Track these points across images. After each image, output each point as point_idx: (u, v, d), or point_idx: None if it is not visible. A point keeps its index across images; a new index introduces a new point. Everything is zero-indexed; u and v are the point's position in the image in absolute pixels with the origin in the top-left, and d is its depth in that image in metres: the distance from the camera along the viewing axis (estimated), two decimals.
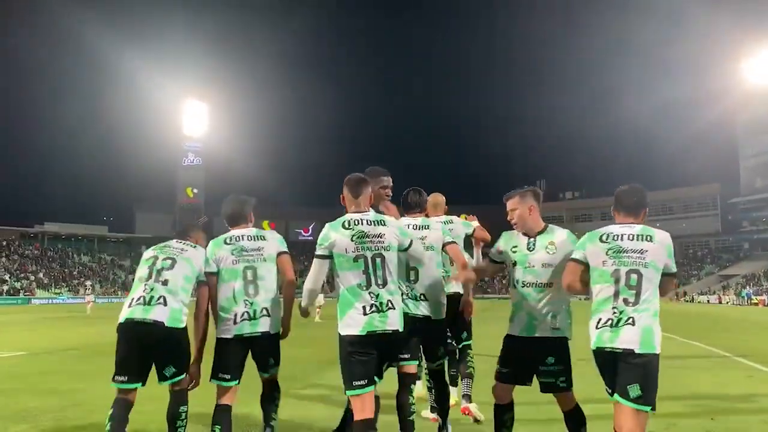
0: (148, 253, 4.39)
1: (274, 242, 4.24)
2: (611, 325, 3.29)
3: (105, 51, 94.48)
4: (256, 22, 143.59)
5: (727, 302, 57.86)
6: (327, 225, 3.74)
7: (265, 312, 3.96)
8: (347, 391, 3.46)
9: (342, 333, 3.49)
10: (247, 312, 3.93)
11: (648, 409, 3.24)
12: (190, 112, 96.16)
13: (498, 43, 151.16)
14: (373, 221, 3.68)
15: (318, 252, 3.64)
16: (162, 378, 4.05)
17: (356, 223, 3.65)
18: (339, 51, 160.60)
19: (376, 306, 3.49)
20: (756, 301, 51.96)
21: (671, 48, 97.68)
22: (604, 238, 3.53)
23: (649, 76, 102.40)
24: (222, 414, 4.01)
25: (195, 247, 4.30)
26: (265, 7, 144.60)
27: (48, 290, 63.66)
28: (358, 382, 3.42)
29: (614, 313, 3.30)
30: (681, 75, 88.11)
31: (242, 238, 4.14)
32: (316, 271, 3.69)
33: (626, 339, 3.23)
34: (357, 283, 3.53)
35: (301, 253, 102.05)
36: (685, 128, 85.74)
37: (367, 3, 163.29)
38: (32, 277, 65.49)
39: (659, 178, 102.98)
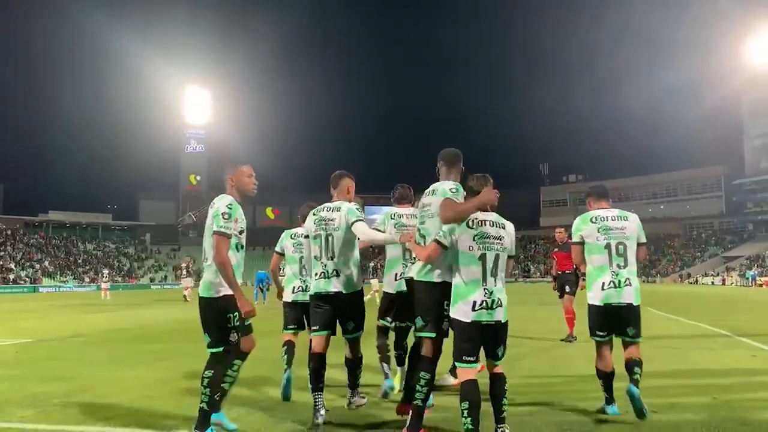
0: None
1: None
2: (615, 286, 4.62)
3: (107, 38, 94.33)
4: (259, 9, 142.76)
5: (731, 284, 57.81)
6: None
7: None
8: (311, 333, 4.87)
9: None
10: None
11: (640, 339, 4.70)
12: (193, 99, 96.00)
13: (501, 28, 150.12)
14: (332, 208, 4.82)
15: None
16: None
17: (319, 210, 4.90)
18: (343, 38, 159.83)
19: (325, 273, 4.68)
20: (761, 282, 51.85)
21: (675, 30, 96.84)
22: (593, 219, 4.81)
23: (653, 58, 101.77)
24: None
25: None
26: None
27: (53, 278, 64.00)
28: (315, 327, 4.77)
29: (614, 275, 4.62)
30: (685, 57, 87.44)
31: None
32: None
33: (627, 296, 4.60)
34: (314, 255, 4.80)
35: None
36: (689, 110, 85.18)
37: None
38: (37, 266, 65.83)
39: (663, 160, 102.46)
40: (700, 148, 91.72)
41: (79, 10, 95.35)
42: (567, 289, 9.96)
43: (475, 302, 3.85)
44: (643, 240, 4.78)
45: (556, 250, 10.66)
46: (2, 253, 66.14)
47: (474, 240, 3.96)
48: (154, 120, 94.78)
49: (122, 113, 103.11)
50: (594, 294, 4.70)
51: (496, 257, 3.99)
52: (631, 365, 4.57)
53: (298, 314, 5.66)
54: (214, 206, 4.32)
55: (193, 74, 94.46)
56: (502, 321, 3.93)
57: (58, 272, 66.72)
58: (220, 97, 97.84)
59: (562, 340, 9.62)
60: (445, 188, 4.27)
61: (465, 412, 3.68)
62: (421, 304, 4.21)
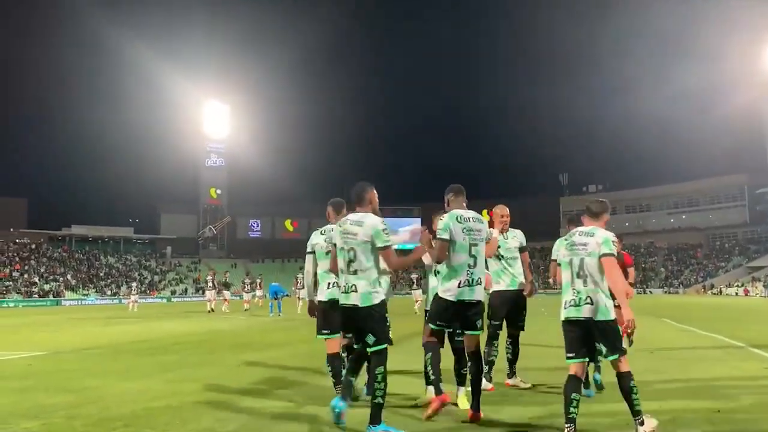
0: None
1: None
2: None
3: (128, 53, 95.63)
4: (277, 23, 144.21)
5: (756, 294, 56.77)
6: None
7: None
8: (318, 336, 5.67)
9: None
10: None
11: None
12: (212, 113, 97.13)
13: (520, 37, 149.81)
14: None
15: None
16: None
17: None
18: (362, 51, 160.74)
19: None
20: None
21: (694, 35, 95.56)
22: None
23: (672, 65, 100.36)
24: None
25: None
26: (286, 8, 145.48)
27: (76, 291, 64.84)
28: (325, 331, 5.59)
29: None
30: (704, 62, 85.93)
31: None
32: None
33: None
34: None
35: None
36: (710, 117, 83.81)
37: (389, 3, 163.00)
38: (61, 279, 66.78)
39: (684, 168, 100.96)
40: (721, 156, 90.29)
41: (99, 25, 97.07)
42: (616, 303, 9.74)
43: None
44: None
45: None
46: (26, 267, 67.25)
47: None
48: (174, 134, 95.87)
49: (143, 127, 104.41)
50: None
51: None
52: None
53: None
54: (364, 224, 4.72)
55: (212, 88, 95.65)
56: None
57: (81, 285, 67.61)
58: (239, 110, 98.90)
59: None
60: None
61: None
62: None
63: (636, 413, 4.32)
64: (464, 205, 5.36)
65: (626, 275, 9.31)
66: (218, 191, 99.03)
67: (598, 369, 6.12)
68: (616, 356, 4.42)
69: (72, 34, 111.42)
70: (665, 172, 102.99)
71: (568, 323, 4.53)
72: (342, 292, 4.77)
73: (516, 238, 6.89)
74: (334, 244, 4.94)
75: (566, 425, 4.24)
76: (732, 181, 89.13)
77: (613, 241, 4.71)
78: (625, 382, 4.36)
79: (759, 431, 4.54)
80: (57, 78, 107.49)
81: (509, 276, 6.63)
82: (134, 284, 37.11)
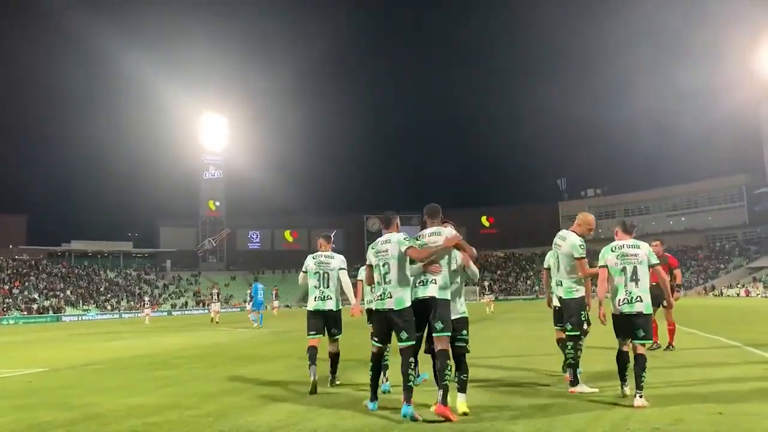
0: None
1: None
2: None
3: (124, 66, 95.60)
4: (276, 35, 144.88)
5: (757, 295, 56.71)
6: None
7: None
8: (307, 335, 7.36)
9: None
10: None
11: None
12: (210, 125, 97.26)
13: (518, 43, 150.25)
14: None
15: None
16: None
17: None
18: (360, 62, 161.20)
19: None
20: None
21: (692, 37, 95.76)
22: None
23: (670, 67, 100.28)
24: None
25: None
26: (284, 20, 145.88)
27: (76, 307, 64.71)
28: (312, 332, 7.32)
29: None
30: (702, 64, 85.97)
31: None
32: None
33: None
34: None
35: None
36: (707, 119, 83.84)
37: (388, 14, 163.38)
38: (60, 295, 66.64)
39: (682, 170, 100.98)
40: (719, 157, 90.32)
41: (96, 38, 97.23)
42: (665, 303, 9.48)
43: None
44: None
45: None
46: (26, 283, 67.12)
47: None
48: (172, 147, 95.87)
49: (140, 141, 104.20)
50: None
51: None
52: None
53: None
54: (391, 241, 5.82)
55: (210, 100, 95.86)
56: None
57: (81, 301, 67.47)
58: (237, 122, 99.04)
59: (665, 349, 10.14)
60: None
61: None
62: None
63: (639, 387, 5.62)
64: (437, 223, 6.02)
65: (673, 277, 10.22)
66: (217, 203, 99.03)
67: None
68: (649, 341, 6.09)
69: (68, 49, 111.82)
70: (664, 175, 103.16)
71: (620, 317, 6.00)
72: (378, 300, 5.78)
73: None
74: (369, 265, 6.00)
75: (621, 383, 6.06)
76: (731, 182, 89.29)
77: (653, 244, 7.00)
78: (642, 360, 5.77)
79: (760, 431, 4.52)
80: (55, 92, 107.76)
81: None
82: (147, 298, 38.31)
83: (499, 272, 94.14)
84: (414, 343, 5.58)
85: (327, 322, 7.28)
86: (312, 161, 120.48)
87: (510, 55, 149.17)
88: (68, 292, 68.44)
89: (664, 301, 9.57)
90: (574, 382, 6.48)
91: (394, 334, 5.76)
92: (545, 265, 8.00)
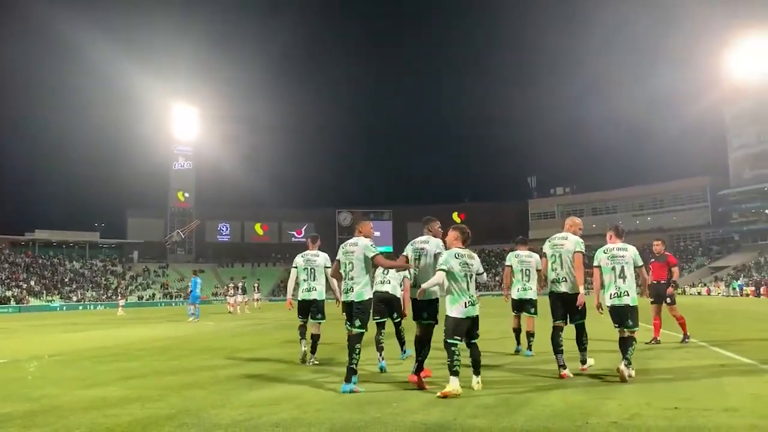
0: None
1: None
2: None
3: (93, 54, 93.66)
4: (247, 26, 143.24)
5: (718, 294, 58.11)
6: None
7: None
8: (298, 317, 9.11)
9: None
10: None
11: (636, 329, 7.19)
12: (180, 115, 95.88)
13: (488, 40, 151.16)
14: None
15: None
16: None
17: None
18: (335, 56, 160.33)
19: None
20: (747, 292, 52.24)
21: (660, 41, 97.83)
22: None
23: (638, 70, 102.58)
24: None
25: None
26: (256, 11, 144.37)
27: (40, 298, 63.42)
28: (300, 316, 8.97)
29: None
30: (669, 68, 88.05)
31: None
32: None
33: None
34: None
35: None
36: (674, 121, 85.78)
37: (359, 7, 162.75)
38: (23, 285, 65.22)
39: (649, 171, 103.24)
40: (685, 159, 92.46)
41: (62, 26, 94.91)
42: (668, 300, 10.91)
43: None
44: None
45: (652, 260, 11.31)
46: None
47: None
48: (141, 136, 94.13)
49: (109, 130, 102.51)
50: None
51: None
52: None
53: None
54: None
55: (180, 90, 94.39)
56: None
57: (44, 292, 66.13)
58: (208, 113, 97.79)
59: (681, 342, 10.78)
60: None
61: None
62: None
63: (626, 359, 6.78)
64: (427, 232, 7.20)
65: (671, 274, 10.99)
66: (186, 195, 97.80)
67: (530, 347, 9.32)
68: (636, 328, 7.08)
69: (34, 37, 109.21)
70: (630, 175, 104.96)
71: (612, 309, 7.14)
72: (344, 293, 6.94)
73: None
74: (338, 260, 7.12)
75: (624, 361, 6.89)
76: (695, 184, 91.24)
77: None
78: (630, 341, 6.95)
79: (714, 427, 4.64)
80: (20, 80, 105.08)
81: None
82: (119, 290, 39.58)
83: None
84: (364, 331, 6.71)
85: (311, 308, 8.70)
86: (284, 154, 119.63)
87: (484, 56, 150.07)
88: (32, 283, 67.01)
89: (668, 298, 10.80)
90: (561, 364, 7.24)
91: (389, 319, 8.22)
92: (507, 263, 9.71)
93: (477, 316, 6.38)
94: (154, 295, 73.95)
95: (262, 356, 10.17)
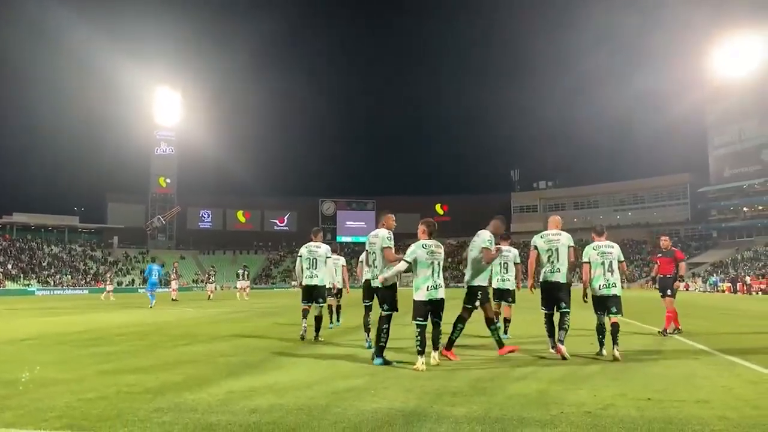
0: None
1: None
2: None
3: (74, 37, 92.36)
4: (233, 12, 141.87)
5: (695, 289, 58.95)
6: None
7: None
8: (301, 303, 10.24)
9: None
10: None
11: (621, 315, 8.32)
12: (163, 100, 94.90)
13: (476, 37, 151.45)
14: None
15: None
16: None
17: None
18: (320, 44, 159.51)
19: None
20: (723, 288, 53.09)
21: (644, 41, 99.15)
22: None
23: (623, 69, 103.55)
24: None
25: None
26: None
27: (17, 282, 62.65)
28: (305, 301, 10.10)
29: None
30: (653, 68, 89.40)
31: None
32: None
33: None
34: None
35: (277, 243, 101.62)
36: (657, 119, 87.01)
37: (352, 5, 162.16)
38: (0, 269, 64.37)
39: (631, 167, 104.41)
40: (667, 156, 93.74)
41: (43, 9, 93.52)
42: (669, 292, 11.29)
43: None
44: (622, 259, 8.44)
45: (659, 255, 11.73)
46: None
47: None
48: (123, 121, 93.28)
49: (90, 113, 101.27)
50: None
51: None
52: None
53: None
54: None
55: (163, 75, 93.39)
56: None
57: (22, 275, 65.32)
58: (191, 98, 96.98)
59: (659, 332, 11.17)
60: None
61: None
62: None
63: (616, 343, 7.88)
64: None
65: (679, 268, 11.55)
66: (168, 180, 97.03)
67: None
68: (620, 315, 8.18)
69: (14, 18, 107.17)
70: (612, 170, 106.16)
71: (599, 298, 8.22)
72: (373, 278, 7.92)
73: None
74: (366, 250, 8.27)
75: (600, 347, 8.27)
76: (676, 181, 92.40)
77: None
78: (616, 326, 8.04)
79: (684, 418, 4.72)
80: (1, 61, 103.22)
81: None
82: (108, 275, 38.74)
83: (450, 260, 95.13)
84: (392, 312, 7.45)
85: (314, 293, 9.90)
86: (268, 142, 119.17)
87: (472, 52, 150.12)
88: (9, 266, 66.15)
89: (669, 290, 11.34)
90: (555, 345, 8.16)
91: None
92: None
93: (441, 299, 7.22)
94: (133, 281, 73.36)
95: (241, 343, 10.15)
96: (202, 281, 74.42)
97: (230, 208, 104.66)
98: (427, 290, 7.10)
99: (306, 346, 9.42)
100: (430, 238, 7.37)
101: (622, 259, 8.40)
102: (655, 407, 5.09)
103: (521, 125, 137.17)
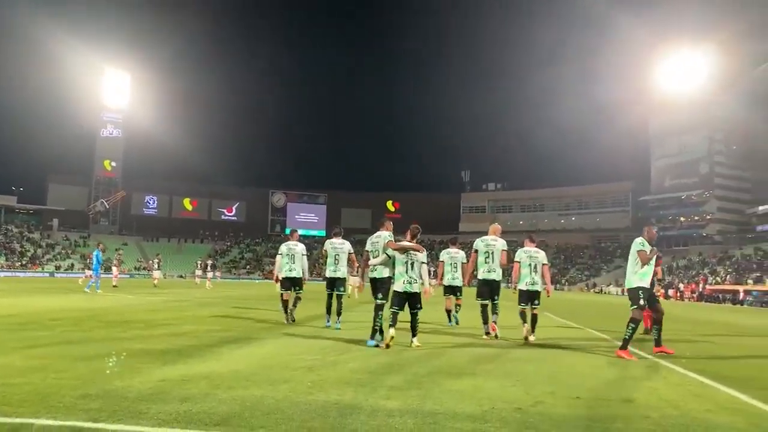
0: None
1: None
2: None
3: (17, 12, 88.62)
4: None
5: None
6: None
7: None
8: (280, 290, 12.11)
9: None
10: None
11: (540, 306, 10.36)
12: (111, 81, 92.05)
13: (434, 41, 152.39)
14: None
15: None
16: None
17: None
18: (271, 30, 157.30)
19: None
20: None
21: (594, 55, 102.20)
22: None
23: (571, 81, 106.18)
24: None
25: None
26: None
27: None
28: (283, 289, 11.90)
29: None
30: (601, 80, 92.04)
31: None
32: None
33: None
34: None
35: (224, 233, 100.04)
36: (604, 128, 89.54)
37: None
38: None
39: (577, 173, 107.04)
40: (612, 164, 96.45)
41: None
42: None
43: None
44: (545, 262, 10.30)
45: None
46: None
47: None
48: (67, 100, 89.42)
49: (34, 92, 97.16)
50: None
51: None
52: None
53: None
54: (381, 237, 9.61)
55: (113, 56, 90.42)
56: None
57: None
58: (141, 80, 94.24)
59: (645, 331, 11.79)
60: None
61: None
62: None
63: (533, 331, 10.18)
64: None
65: (655, 273, 11.36)
66: (113, 164, 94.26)
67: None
68: (539, 306, 10.19)
69: None
70: (559, 176, 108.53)
71: (525, 292, 10.08)
72: (372, 272, 9.37)
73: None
74: (367, 250, 9.75)
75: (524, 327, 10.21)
76: (619, 188, 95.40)
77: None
78: (535, 317, 10.20)
79: (610, 416, 4.88)
80: None
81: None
82: (117, 257, 32.74)
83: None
84: (385, 301, 8.88)
85: (293, 283, 11.66)
86: (218, 130, 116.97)
87: (431, 53, 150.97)
88: None
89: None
90: (488, 329, 10.39)
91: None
92: (441, 258, 12.72)
93: (416, 292, 8.60)
94: (73, 265, 71.04)
95: (178, 332, 9.94)
96: (145, 268, 72.76)
97: (177, 195, 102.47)
98: (404, 284, 8.59)
99: (245, 337, 9.35)
100: (413, 242, 8.87)
101: (546, 262, 10.28)
102: (583, 405, 5.25)
103: (475, 128, 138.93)
